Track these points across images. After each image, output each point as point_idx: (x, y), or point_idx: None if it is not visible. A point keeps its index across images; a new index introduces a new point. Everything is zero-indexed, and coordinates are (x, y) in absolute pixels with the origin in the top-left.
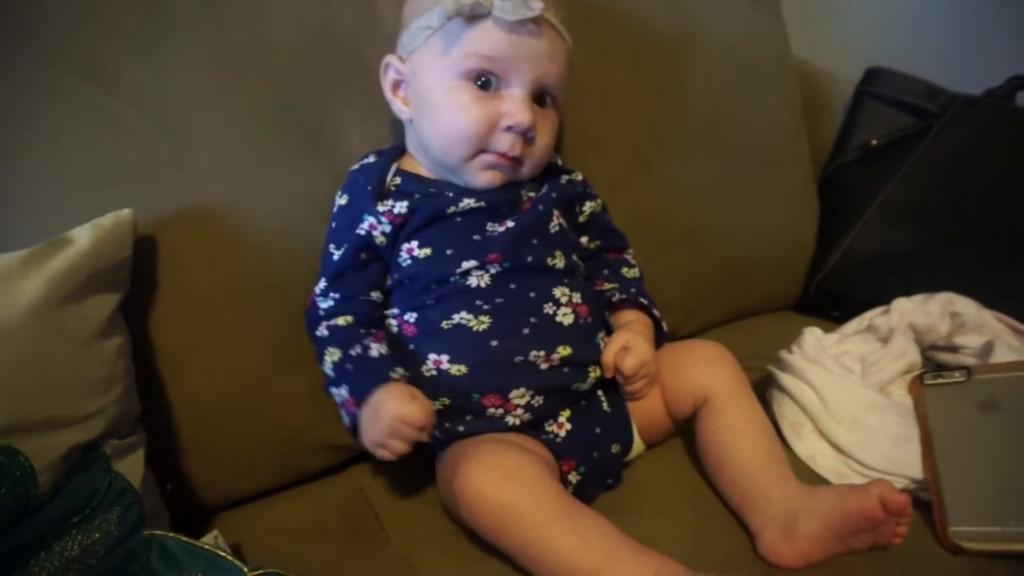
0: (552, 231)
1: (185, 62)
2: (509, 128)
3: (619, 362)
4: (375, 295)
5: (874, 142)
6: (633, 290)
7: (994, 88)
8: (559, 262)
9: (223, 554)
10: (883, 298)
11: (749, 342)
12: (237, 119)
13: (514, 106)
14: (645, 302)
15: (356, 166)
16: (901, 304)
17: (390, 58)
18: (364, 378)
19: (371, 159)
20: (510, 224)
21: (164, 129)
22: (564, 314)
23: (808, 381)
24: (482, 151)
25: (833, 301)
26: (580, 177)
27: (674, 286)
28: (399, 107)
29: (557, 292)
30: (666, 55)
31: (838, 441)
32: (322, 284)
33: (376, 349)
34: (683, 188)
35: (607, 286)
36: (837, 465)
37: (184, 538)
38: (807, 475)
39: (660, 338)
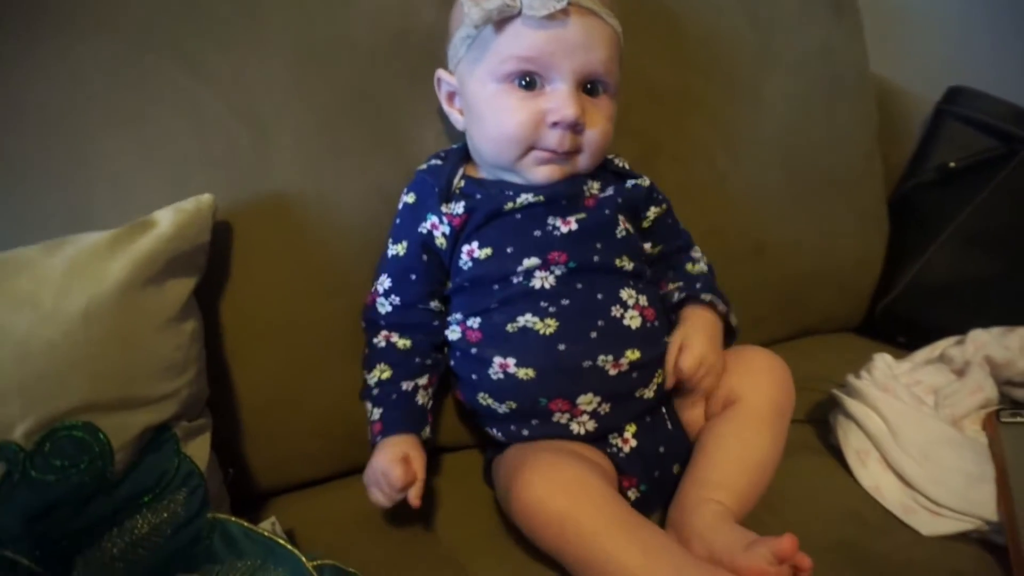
0: (619, 236)
1: (270, 53)
2: (555, 124)
3: (678, 362)
4: (434, 304)
5: (952, 164)
6: (697, 286)
7: None
8: (626, 264)
9: (282, 542)
10: (953, 327)
11: (809, 363)
12: (316, 112)
13: (558, 101)
14: (707, 298)
15: (424, 166)
16: (978, 336)
17: (440, 72)
18: (397, 418)
19: (438, 161)
20: (574, 226)
21: (246, 118)
22: (631, 317)
23: (877, 409)
24: (532, 148)
25: (899, 326)
26: (647, 182)
27: (735, 300)
28: (456, 118)
29: (624, 294)
30: (743, 65)
31: (906, 474)
32: (386, 283)
33: (423, 397)
34: (753, 201)
35: (671, 286)
36: (903, 499)
37: (245, 523)
38: (870, 505)
39: (729, 335)
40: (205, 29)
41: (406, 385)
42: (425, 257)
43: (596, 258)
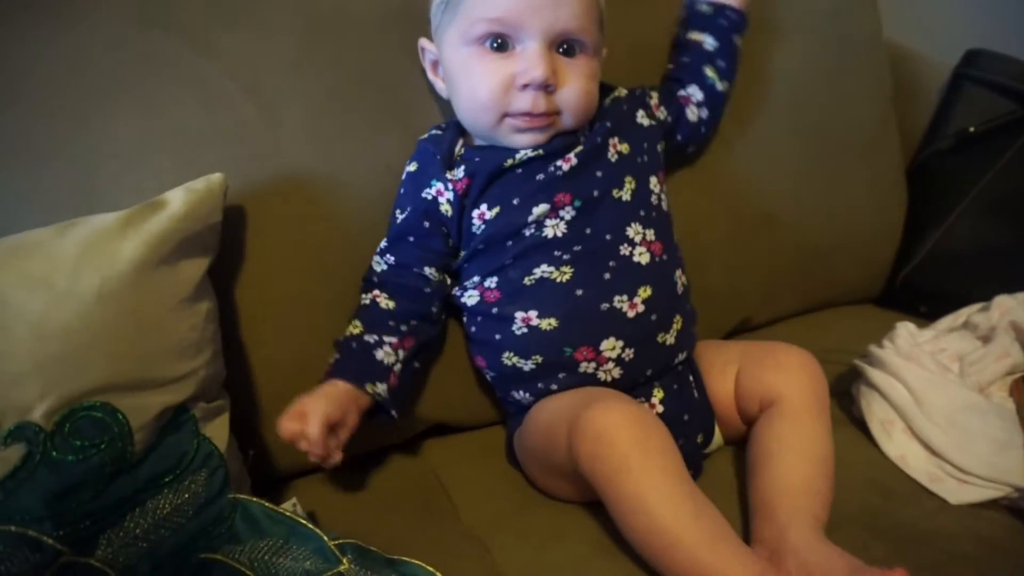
0: (612, 159)
1: (275, 28)
2: (525, 86)
3: None
4: (429, 271)
5: (972, 129)
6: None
7: None
8: (626, 193)
9: (304, 522)
10: (976, 295)
11: (829, 336)
12: (323, 88)
13: (527, 62)
14: None
15: (425, 136)
16: (1003, 301)
17: (423, 40)
18: (343, 367)
19: (438, 131)
20: (574, 161)
21: (254, 95)
22: (640, 254)
23: (901, 378)
24: (506, 115)
25: (920, 296)
26: (623, 92)
27: (751, 272)
28: (440, 87)
29: (631, 231)
30: (749, 31)
31: (932, 442)
32: (383, 244)
33: (387, 355)
34: (764, 171)
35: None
36: (930, 467)
37: (267, 504)
38: (895, 476)
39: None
40: (209, 5)
41: (370, 338)
42: (426, 224)
43: (596, 191)
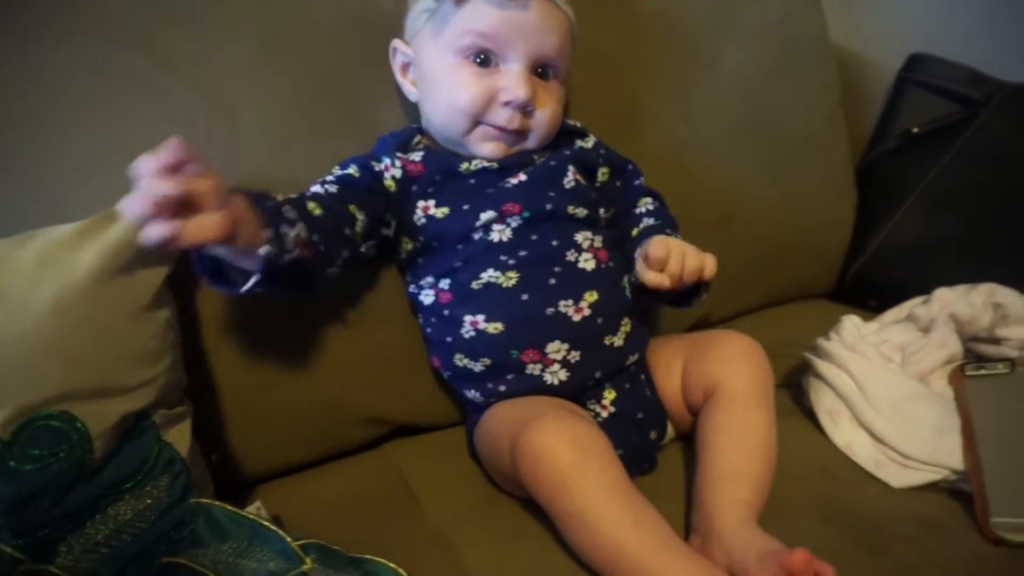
0: (567, 186)
1: (233, 37)
2: (507, 103)
3: (647, 255)
4: (360, 216)
5: (916, 130)
6: (652, 221)
7: None
8: (579, 212)
9: (267, 524)
10: (922, 288)
11: (782, 330)
12: (283, 96)
13: (511, 81)
14: (667, 232)
15: (386, 134)
16: (943, 294)
17: (396, 42)
18: (259, 201)
19: (398, 130)
20: (523, 177)
21: (214, 104)
22: (586, 260)
23: (846, 369)
24: (480, 123)
25: (870, 290)
26: (590, 144)
27: None
28: (408, 89)
29: (578, 238)
30: (700, 36)
31: (876, 430)
32: (328, 177)
33: (290, 212)
34: (717, 172)
35: (634, 232)
36: (875, 454)
37: (230, 507)
38: (842, 463)
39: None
40: (169, 17)
41: (288, 211)
42: (372, 184)
43: (549, 206)
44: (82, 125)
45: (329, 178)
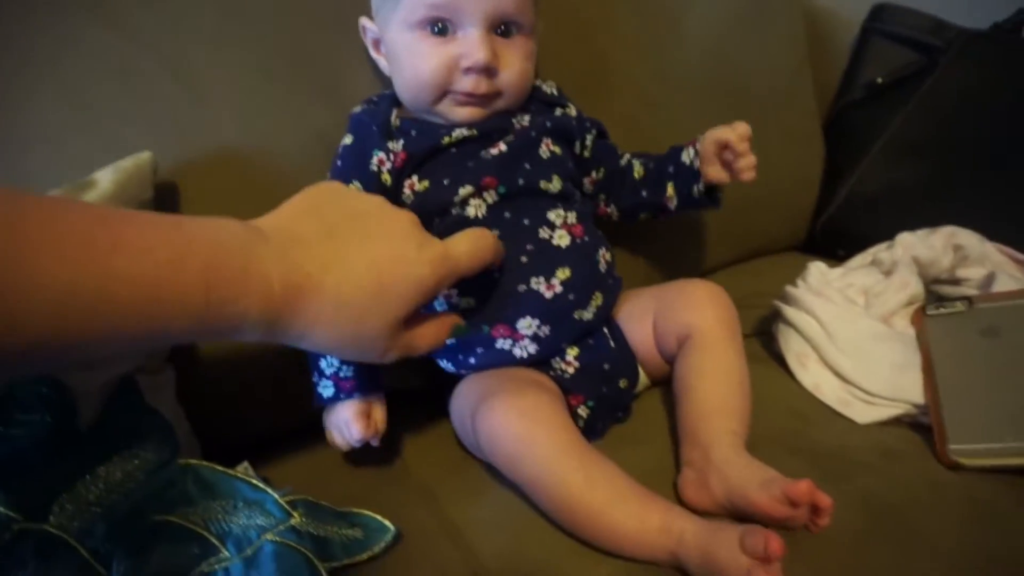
0: (543, 156)
1: (196, 5)
2: (468, 69)
3: (724, 144)
4: None
5: (879, 80)
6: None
7: (1002, 21)
8: (553, 186)
9: (254, 482)
10: (889, 236)
11: (754, 282)
12: (248, 63)
13: (469, 46)
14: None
15: (358, 109)
16: (904, 238)
17: (363, 19)
18: (366, 379)
19: (371, 105)
20: (503, 147)
21: (179, 73)
22: (560, 236)
23: (813, 313)
24: (447, 92)
25: (838, 240)
26: (574, 111)
27: (678, 229)
28: (383, 64)
29: (552, 215)
30: None
31: (842, 370)
32: None
33: None
34: (687, 129)
35: (638, 165)
36: (841, 393)
37: (219, 467)
38: (810, 403)
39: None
40: None
41: None
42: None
43: (522, 181)
44: (47, 98)
45: None
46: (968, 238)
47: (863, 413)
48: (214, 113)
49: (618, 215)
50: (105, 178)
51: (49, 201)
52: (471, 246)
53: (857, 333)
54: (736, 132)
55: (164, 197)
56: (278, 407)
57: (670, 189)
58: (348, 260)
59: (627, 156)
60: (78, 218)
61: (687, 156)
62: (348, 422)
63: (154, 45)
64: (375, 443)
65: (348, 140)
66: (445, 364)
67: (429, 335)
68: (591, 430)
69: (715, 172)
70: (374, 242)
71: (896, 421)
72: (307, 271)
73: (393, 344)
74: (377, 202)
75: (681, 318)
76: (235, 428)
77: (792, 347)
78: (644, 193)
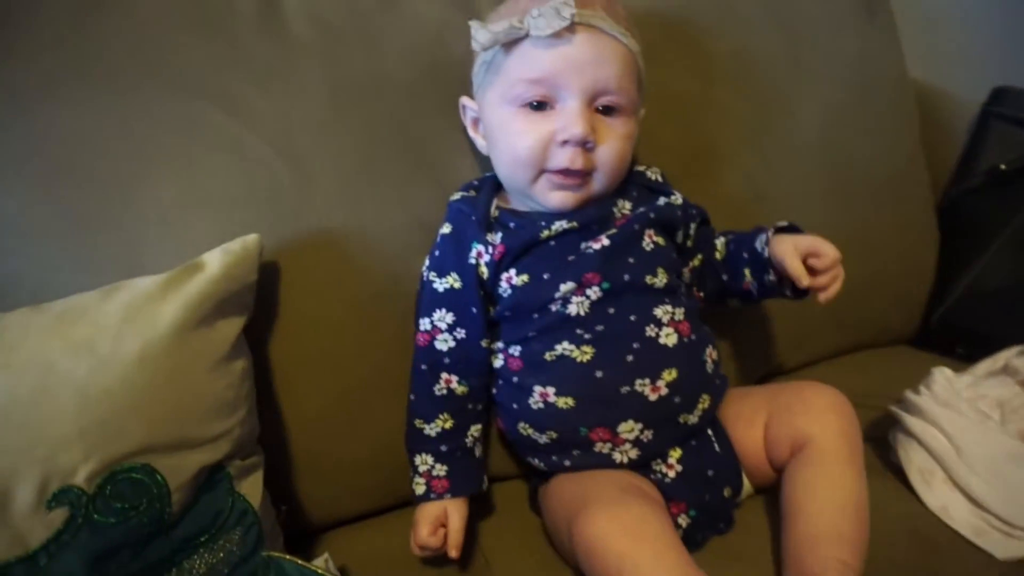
0: (647, 249)
1: (306, 91)
2: (565, 142)
3: (815, 252)
4: (484, 343)
5: (1003, 166)
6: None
7: None
8: (659, 280)
9: None
10: (1015, 335)
11: (863, 379)
12: (354, 147)
13: (566, 119)
14: (778, 224)
15: (456, 197)
16: None
17: (464, 99)
18: (463, 480)
19: (470, 192)
20: (606, 242)
21: (286, 155)
22: (667, 335)
23: (939, 426)
24: (544, 171)
25: (957, 336)
26: (679, 200)
27: (782, 315)
28: (480, 144)
29: (659, 312)
30: (775, 77)
31: (975, 493)
32: (447, 318)
33: (479, 449)
34: (793, 214)
35: (725, 249)
36: (973, 520)
37: (300, 561)
38: (937, 528)
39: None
40: (246, 72)
41: (468, 440)
42: (481, 292)
43: (627, 276)
44: (165, 181)
45: (449, 320)
46: None
47: (1004, 547)
48: (319, 195)
49: (704, 301)
50: (214, 260)
51: None
52: None
53: (992, 452)
54: (832, 248)
55: (267, 277)
56: (364, 491)
57: (748, 275)
58: None
59: (717, 236)
60: None
61: (760, 243)
62: (416, 524)
63: (268, 130)
64: (452, 553)
65: (447, 229)
66: (537, 463)
67: None
68: (690, 540)
69: (794, 266)
70: None
71: None
72: None
73: None
74: None
75: (798, 424)
76: (317, 512)
77: (915, 461)
78: (724, 277)
